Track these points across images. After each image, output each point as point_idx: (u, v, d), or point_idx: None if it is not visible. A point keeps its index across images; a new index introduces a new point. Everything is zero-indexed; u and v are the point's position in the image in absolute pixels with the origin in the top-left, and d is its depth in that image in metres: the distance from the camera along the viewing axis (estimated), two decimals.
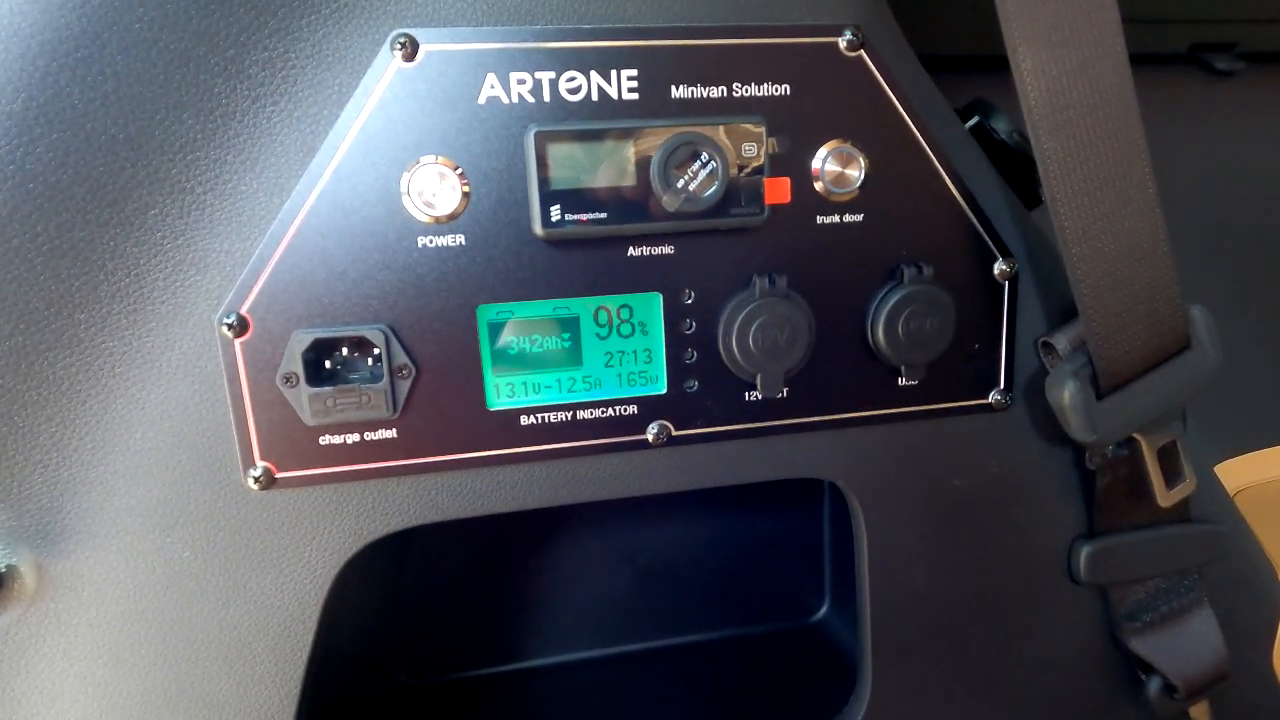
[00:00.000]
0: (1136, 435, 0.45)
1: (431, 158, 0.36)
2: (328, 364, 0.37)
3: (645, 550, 0.64)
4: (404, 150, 0.35)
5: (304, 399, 0.36)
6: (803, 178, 0.39)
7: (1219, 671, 0.50)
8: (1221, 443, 0.73)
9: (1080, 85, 0.37)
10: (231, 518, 0.38)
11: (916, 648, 0.48)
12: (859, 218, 0.40)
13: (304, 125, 0.35)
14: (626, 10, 0.37)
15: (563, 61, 0.36)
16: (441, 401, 0.38)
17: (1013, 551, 0.47)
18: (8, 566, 0.36)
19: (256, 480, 0.37)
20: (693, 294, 0.40)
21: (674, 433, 0.41)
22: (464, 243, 0.37)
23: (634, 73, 0.37)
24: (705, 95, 0.37)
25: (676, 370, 0.41)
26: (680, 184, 0.37)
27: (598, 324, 0.40)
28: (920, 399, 0.43)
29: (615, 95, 0.37)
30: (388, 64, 0.35)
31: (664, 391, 0.41)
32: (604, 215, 0.37)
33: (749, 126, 0.37)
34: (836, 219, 0.40)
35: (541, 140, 0.36)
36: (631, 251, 0.39)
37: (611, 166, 0.36)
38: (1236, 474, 0.72)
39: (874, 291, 0.41)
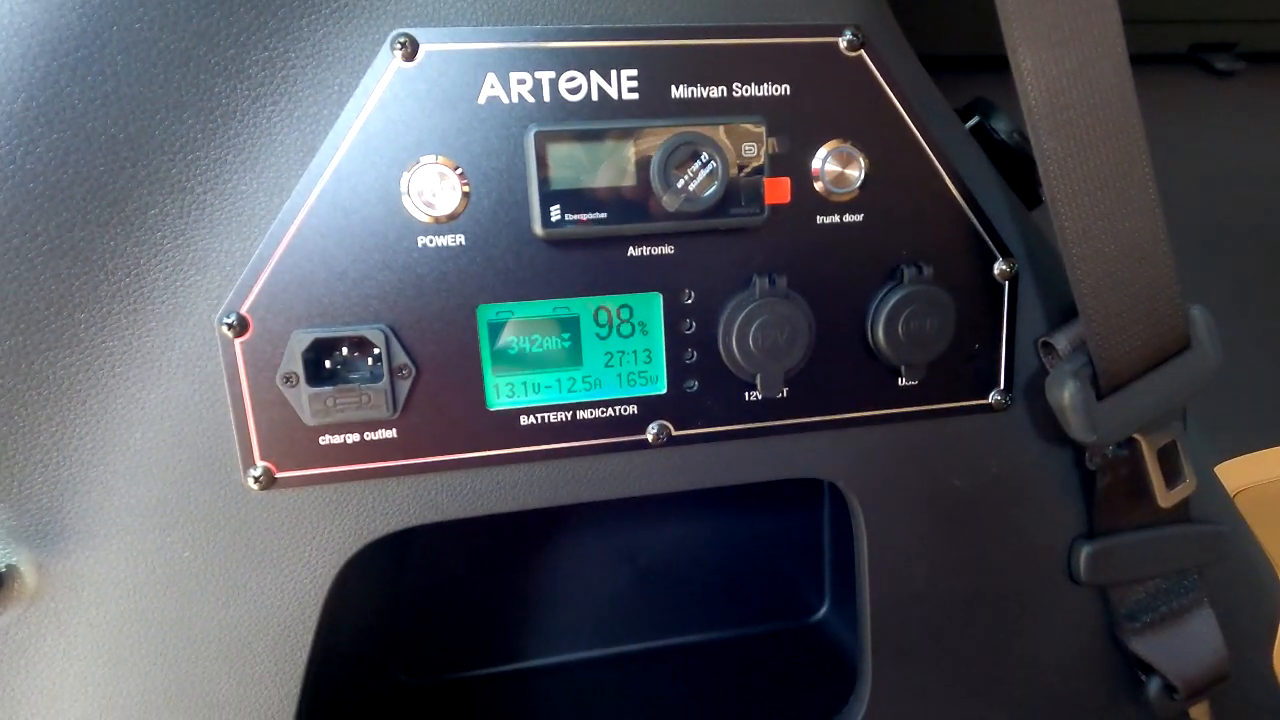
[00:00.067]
0: (1137, 435, 0.45)
1: (431, 158, 0.36)
2: (328, 364, 0.37)
3: (645, 550, 0.64)
4: (404, 150, 0.35)
5: (304, 399, 0.36)
6: (803, 178, 0.39)
7: (1219, 672, 0.50)
8: (1221, 443, 0.73)
9: (1080, 85, 0.37)
10: (231, 517, 0.38)
11: (916, 648, 0.48)
12: (859, 218, 0.40)
13: (304, 125, 0.35)
14: (626, 10, 0.37)
15: (563, 61, 0.36)
16: (441, 401, 0.38)
17: (1013, 552, 0.47)
18: (8, 566, 0.36)
19: (256, 480, 0.37)
20: (693, 294, 0.40)
21: (674, 433, 0.41)
22: (464, 243, 0.37)
23: (634, 73, 0.37)
24: (705, 95, 0.37)
25: (676, 370, 0.41)
26: (680, 184, 0.37)
27: (598, 324, 0.40)
28: (920, 399, 0.43)
29: (615, 95, 0.37)
30: (388, 64, 0.35)
31: (664, 391, 0.41)
32: (604, 215, 0.37)
33: (749, 126, 0.37)
34: (836, 219, 0.40)
35: (541, 140, 0.36)
36: (631, 251, 0.39)
37: (611, 166, 0.36)
38: (1236, 474, 0.72)
39: (874, 291, 0.41)
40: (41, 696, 0.38)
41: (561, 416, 0.40)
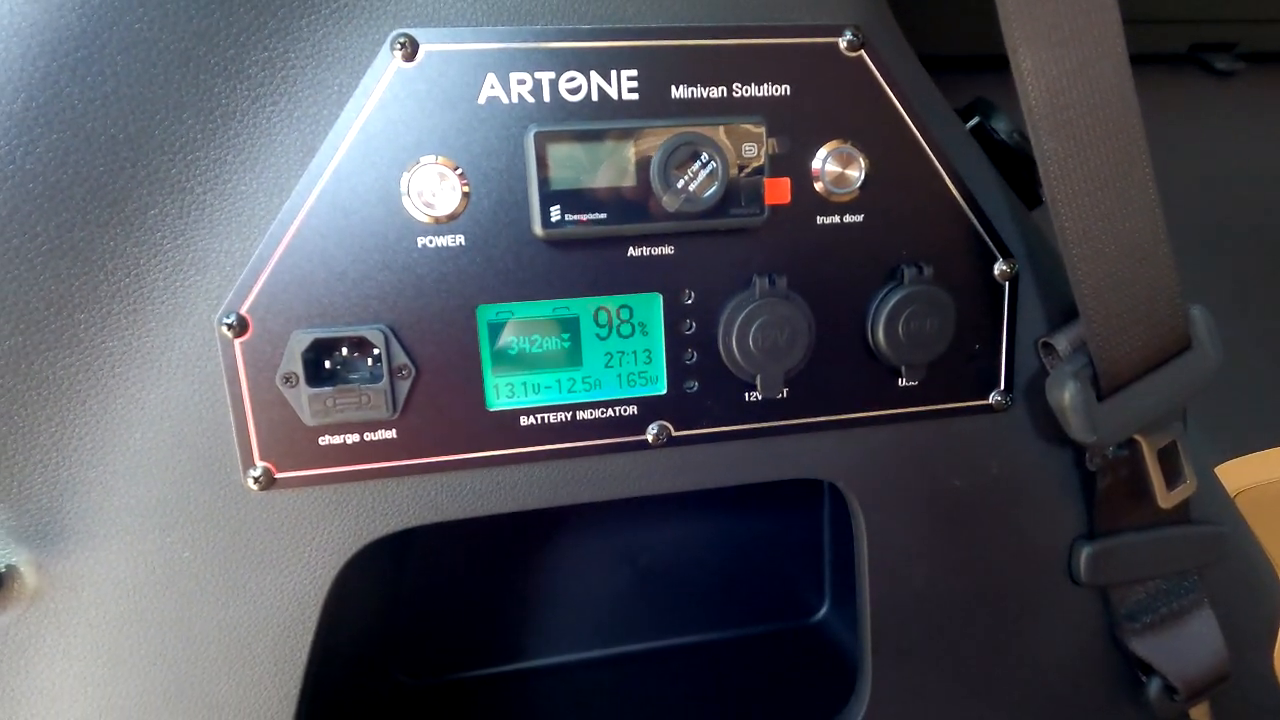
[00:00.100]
0: (1137, 436, 0.44)
1: (431, 158, 0.36)
2: (327, 364, 0.37)
3: (645, 550, 0.64)
4: (404, 150, 0.35)
5: (304, 399, 0.36)
6: (803, 178, 0.39)
7: (1219, 673, 0.50)
8: (1222, 444, 0.73)
9: (1081, 85, 0.37)
10: (231, 518, 0.37)
11: (916, 648, 0.48)
12: (859, 218, 0.40)
13: (304, 125, 0.35)
14: (626, 10, 0.37)
15: (563, 61, 0.36)
16: (441, 402, 0.38)
17: (1013, 552, 0.47)
18: (7, 566, 0.36)
19: (256, 480, 0.37)
20: (693, 294, 0.40)
21: (674, 433, 0.41)
22: (464, 243, 0.37)
23: (634, 73, 0.37)
24: (705, 95, 0.37)
25: (676, 371, 0.41)
26: (680, 184, 0.37)
27: (598, 324, 0.40)
28: (920, 399, 0.43)
29: (615, 95, 0.37)
30: (388, 64, 0.35)
31: (664, 392, 0.41)
32: (604, 215, 0.37)
33: (749, 127, 0.37)
34: (837, 219, 0.40)
35: (541, 140, 0.36)
36: (631, 252, 0.39)
37: (611, 167, 0.36)
38: (1237, 475, 0.72)
39: (874, 292, 0.41)
40: (41, 697, 0.37)
41: (561, 417, 0.40)
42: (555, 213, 0.36)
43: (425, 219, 0.36)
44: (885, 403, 0.43)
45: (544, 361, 0.39)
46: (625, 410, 0.40)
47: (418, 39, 0.35)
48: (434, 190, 0.36)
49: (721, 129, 0.37)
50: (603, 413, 0.40)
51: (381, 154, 0.35)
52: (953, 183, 0.41)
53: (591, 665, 0.62)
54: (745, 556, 0.65)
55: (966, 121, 0.46)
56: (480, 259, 0.37)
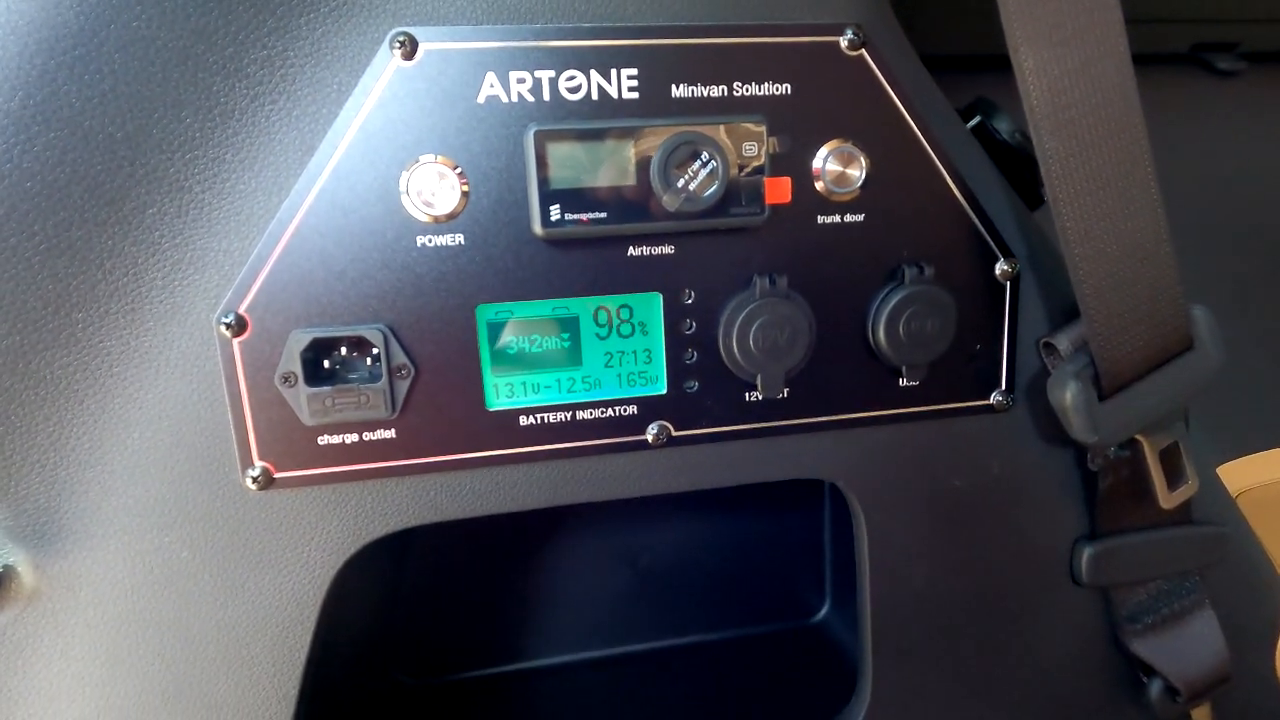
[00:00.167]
0: (1138, 436, 0.44)
1: (431, 157, 0.35)
2: (326, 364, 0.37)
3: (645, 551, 0.63)
4: (403, 149, 0.35)
5: (302, 399, 0.36)
6: (803, 177, 0.39)
7: (1221, 674, 0.50)
8: (1224, 444, 0.73)
9: (1082, 85, 0.37)
10: (230, 518, 0.37)
11: (917, 648, 0.48)
12: (860, 218, 0.40)
13: (303, 124, 0.35)
14: (627, 9, 0.37)
15: (562, 60, 0.36)
16: (440, 401, 0.38)
17: (1014, 552, 0.47)
18: (5, 566, 0.36)
19: (255, 480, 0.37)
20: (693, 294, 0.40)
21: (674, 433, 0.41)
22: (463, 242, 0.37)
23: (634, 72, 0.36)
24: (706, 94, 0.37)
25: (676, 370, 0.40)
26: (680, 183, 0.37)
27: (597, 324, 0.39)
28: (921, 399, 0.43)
29: (615, 94, 0.37)
30: (387, 63, 0.35)
31: (664, 392, 0.41)
32: (604, 215, 0.37)
33: (749, 126, 0.37)
34: (837, 219, 0.40)
35: (541, 139, 0.35)
36: (631, 251, 0.38)
37: (611, 166, 0.36)
38: (1239, 476, 0.72)
39: (875, 292, 0.41)
40: (38, 697, 0.37)
41: (561, 417, 0.40)
42: (555, 212, 0.36)
43: (425, 218, 0.36)
44: (886, 403, 0.43)
45: (544, 361, 0.39)
46: (625, 410, 0.40)
47: (417, 37, 0.35)
48: (433, 189, 0.36)
49: (722, 128, 0.37)
50: (602, 412, 0.40)
51: (381, 153, 0.35)
52: (954, 182, 0.41)
53: (591, 666, 0.62)
54: (746, 557, 0.65)
55: (968, 121, 0.46)
56: (480, 258, 0.37)
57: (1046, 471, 0.46)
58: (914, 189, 0.41)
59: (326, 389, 0.36)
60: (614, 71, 0.36)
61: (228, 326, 0.35)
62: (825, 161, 0.39)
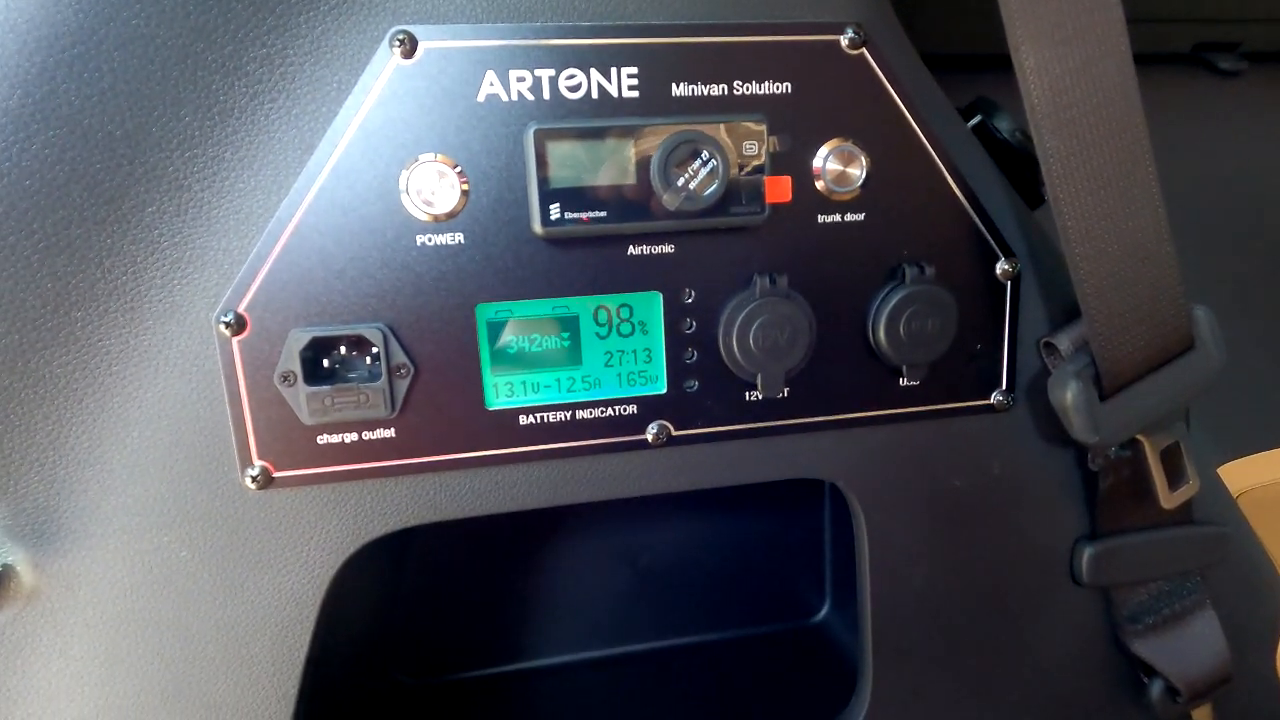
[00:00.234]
0: (1139, 436, 0.44)
1: (430, 156, 0.35)
2: (326, 363, 0.37)
3: (645, 551, 0.63)
4: (403, 148, 0.35)
5: (302, 398, 0.36)
6: (804, 176, 0.39)
7: (1222, 674, 0.50)
8: (1225, 444, 0.73)
9: (1083, 84, 0.37)
10: (229, 517, 0.37)
11: (917, 649, 0.48)
12: (860, 217, 0.40)
13: (302, 122, 0.35)
14: (627, 8, 0.36)
15: (562, 59, 0.36)
16: (440, 401, 0.38)
17: (1014, 552, 0.47)
18: (4, 565, 0.36)
19: (254, 479, 0.37)
20: (693, 293, 0.40)
21: (674, 433, 0.41)
22: (463, 241, 0.37)
23: (634, 70, 0.36)
24: (706, 93, 0.37)
25: (676, 370, 0.40)
26: (680, 182, 0.37)
27: (597, 323, 0.39)
28: (922, 399, 0.43)
29: (615, 93, 0.36)
30: (386, 61, 0.35)
31: (664, 391, 0.40)
32: (604, 214, 0.37)
33: (750, 125, 0.37)
34: (838, 218, 0.40)
35: (541, 138, 0.35)
36: (631, 250, 0.38)
37: (611, 165, 0.36)
38: (1240, 476, 0.72)
39: (875, 291, 0.41)
40: (37, 697, 0.37)
41: (561, 416, 0.40)
42: (555, 211, 0.36)
43: (424, 217, 0.36)
44: (886, 403, 0.43)
45: (543, 360, 0.39)
46: (625, 410, 0.40)
47: (417, 36, 0.34)
48: (433, 188, 0.36)
49: (722, 127, 0.37)
50: (602, 412, 0.40)
51: (380, 152, 0.35)
52: (954, 182, 0.41)
53: (591, 666, 0.62)
54: (746, 557, 0.65)
55: (968, 120, 0.46)
56: (479, 257, 0.37)
57: (1047, 471, 0.46)
58: (915, 188, 0.40)
59: (326, 388, 0.36)
60: (614, 70, 0.36)
61: (227, 325, 0.35)
62: (826, 160, 0.39)
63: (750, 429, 0.42)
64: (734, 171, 0.37)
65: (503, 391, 0.39)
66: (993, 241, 0.42)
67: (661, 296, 0.39)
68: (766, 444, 0.42)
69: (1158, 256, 0.40)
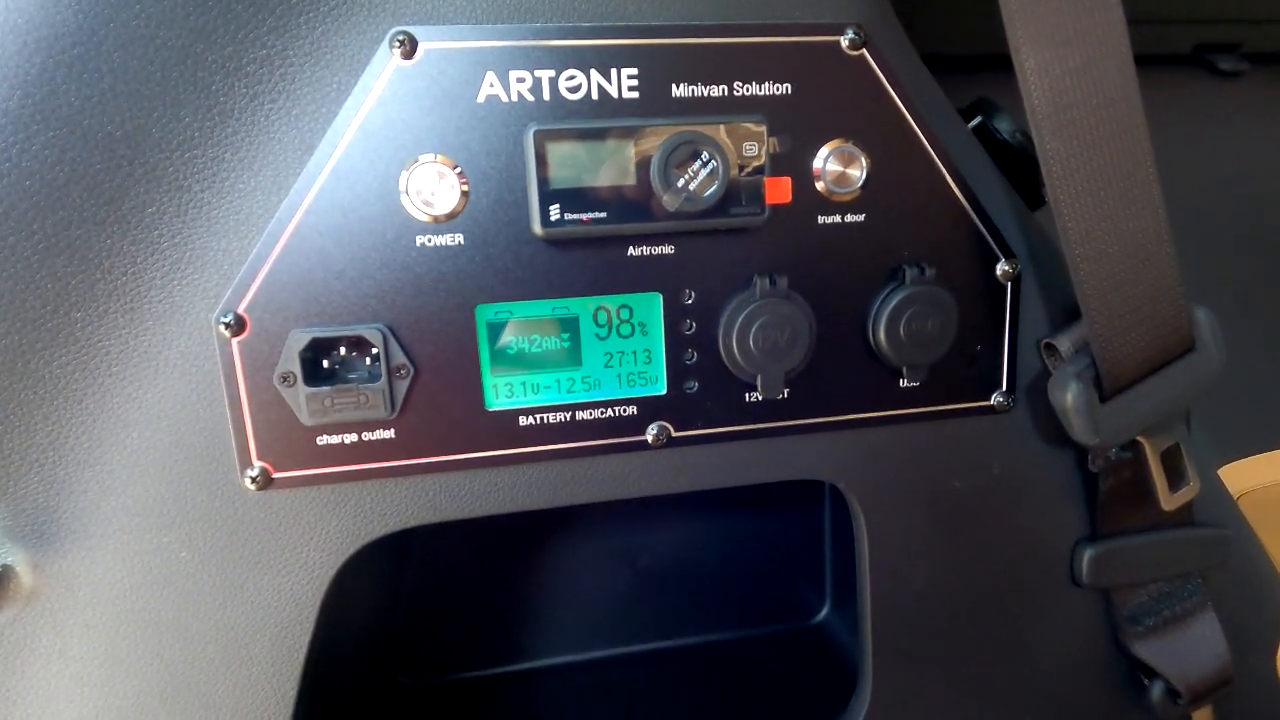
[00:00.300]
0: (1140, 438, 0.44)
1: (430, 156, 0.35)
2: (325, 363, 0.37)
3: (645, 551, 0.63)
4: (403, 149, 0.35)
5: (301, 399, 0.36)
6: (804, 177, 0.39)
7: (1222, 676, 0.50)
8: (1225, 445, 0.73)
9: (1084, 85, 0.37)
10: (228, 518, 0.37)
11: (917, 650, 0.48)
12: (860, 218, 0.40)
13: (302, 123, 0.35)
14: (627, 8, 0.36)
15: (562, 60, 0.36)
16: (440, 401, 0.38)
17: (1014, 554, 0.47)
18: (3, 566, 0.36)
19: (253, 480, 0.37)
20: (693, 294, 0.39)
21: (674, 434, 0.41)
22: (463, 242, 0.37)
23: (634, 71, 0.36)
24: (706, 94, 0.37)
25: (676, 371, 0.40)
26: (680, 183, 0.37)
27: (597, 324, 0.39)
28: (922, 400, 0.43)
29: (615, 94, 0.36)
30: (386, 62, 0.34)
31: (664, 392, 0.40)
32: (604, 215, 0.37)
33: (750, 126, 0.37)
34: (838, 219, 0.40)
35: (541, 139, 0.35)
36: (631, 251, 0.38)
37: (611, 166, 0.36)
38: (1241, 477, 0.72)
39: (875, 292, 0.41)
40: (36, 697, 0.37)
41: (561, 417, 0.40)
42: (555, 212, 0.36)
43: (424, 218, 0.36)
44: (886, 404, 0.43)
45: (543, 361, 0.39)
46: (625, 410, 0.40)
47: (417, 37, 0.34)
48: (433, 189, 0.36)
49: (722, 128, 0.37)
50: (602, 413, 0.40)
51: (380, 152, 0.35)
52: (955, 182, 0.41)
53: (591, 666, 0.62)
54: (746, 558, 0.65)
55: (969, 121, 0.46)
56: (479, 258, 0.37)
57: (1047, 473, 0.46)
58: (915, 189, 0.40)
59: (325, 389, 0.36)
60: (614, 71, 0.36)
61: (227, 326, 0.35)
62: (826, 161, 0.39)
63: (750, 430, 0.42)
64: (734, 172, 0.37)
65: (502, 392, 0.39)
66: (993, 242, 0.42)
67: (661, 297, 0.39)
68: (766, 445, 0.42)
69: (1158, 257, 0.40)
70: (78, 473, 0.36)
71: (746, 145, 0.37)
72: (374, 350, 0.37)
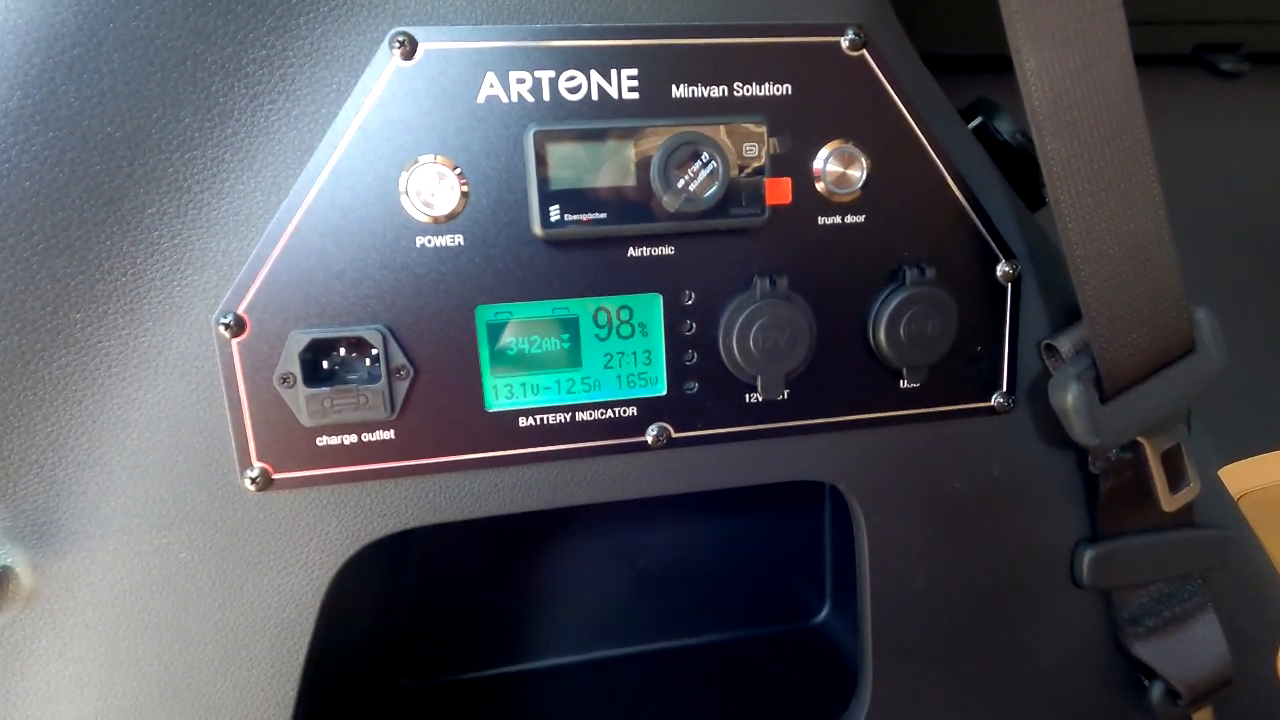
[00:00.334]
0: (1140, 439, 0.44)
1: (430, 157, 0.35)
2: (325, 364, 0.37)
3: (646, 552, 0.63)
4: (402, 149, 0.35)
5: (301, 400, 0.36)
6: (804, 178, 0.39)
7: (1222, 677, 0.50)
8: (1226, 446, 0.73)
9: (1084, 85, 0.37)
10: (228, 519, 0.37)
11: (917, 651, 0.47)
12: (860, 218, 0.40)
13: (302, 124, 0.35)
14: (627, 9, 0.36)
15: (562, 60, 0.36)
16: (440, 402, 0.38)
17: (1015, 554, 0.47)
18: (3, 567, 0.36)
19: (253, 481, 0.37)
20: (693, 295, 0.39)
21: (674, 435, 0.41)
22: (463, 243, 0.37)
23: (634, 72, 0.36)
24: (706, 95, 0.37)
25: (676, 372, 0.40)
26: (681, 184, 0.37)
27: (597, 325, 0.39)
28: (922, 401, 0.43)
29: (615, 95, 0.36)
30: (386, 62, 0.34)
31: (664, 393, 0.40)
32: (604, 215, 0.37)
33: (750, 126, 0.37)
34: (838, 220, 0.40)
35: (541, 140, 0.35)
36: (631, 252, 0.38)
37: (611, 166, 0.36)
38: (1241, 478, 0.72)
39: (876, 293, 0.41)
40: (36, 698, 0.37)
41: (561, 418, 0.40)
42: (555, 212, 0.36)
43: (424, 218, 0.36)
44: (887, 405, 0.43)
45: (543, 362, 0.39)
46: (625, 411, 0.40)
47: (416, 37, 0.34)
48: (433, 190, 0.36)
49: (722, 128, 0.37)
50: (602, 414, 0.40)
51: (380, 153, 0.35)
52: (955, 183, 0.41)
53: (592, 667, 0.62)
54: (746, 558, 0.65)
55: (969, 122, 0.46)
56: (479, 259, 0.37)
57: (1047, 473, 0.46)
58: (915, 190, 0.40)
59: (325, 390, 0.36)
60: (614, 72, 0.36)
61: (226, 327, 0.35)
62: (826, 162, 0.39)
63: (750, 431, 0.42)
64: (734, 173, 0.37)
65: (502, 393, 0.39)
66: (993, 243, 0.42)
67: (661, 298, 0.39)
68: (767, 446, 0.42)
69: (1159, 258, 0.40)
70: (77, 474, 0.36)
71: (746, 146, 0.37)
72: (374, 351, 0.37)
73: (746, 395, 0.41)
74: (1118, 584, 0.48)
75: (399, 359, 0.37)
